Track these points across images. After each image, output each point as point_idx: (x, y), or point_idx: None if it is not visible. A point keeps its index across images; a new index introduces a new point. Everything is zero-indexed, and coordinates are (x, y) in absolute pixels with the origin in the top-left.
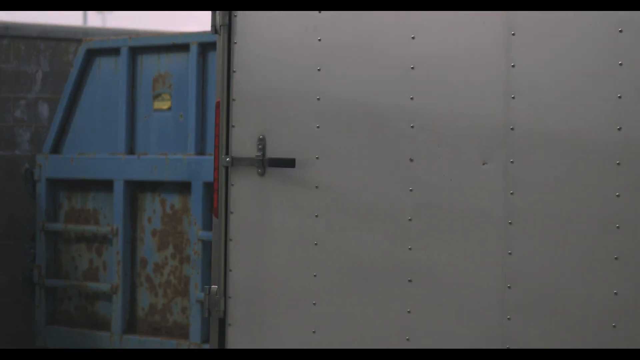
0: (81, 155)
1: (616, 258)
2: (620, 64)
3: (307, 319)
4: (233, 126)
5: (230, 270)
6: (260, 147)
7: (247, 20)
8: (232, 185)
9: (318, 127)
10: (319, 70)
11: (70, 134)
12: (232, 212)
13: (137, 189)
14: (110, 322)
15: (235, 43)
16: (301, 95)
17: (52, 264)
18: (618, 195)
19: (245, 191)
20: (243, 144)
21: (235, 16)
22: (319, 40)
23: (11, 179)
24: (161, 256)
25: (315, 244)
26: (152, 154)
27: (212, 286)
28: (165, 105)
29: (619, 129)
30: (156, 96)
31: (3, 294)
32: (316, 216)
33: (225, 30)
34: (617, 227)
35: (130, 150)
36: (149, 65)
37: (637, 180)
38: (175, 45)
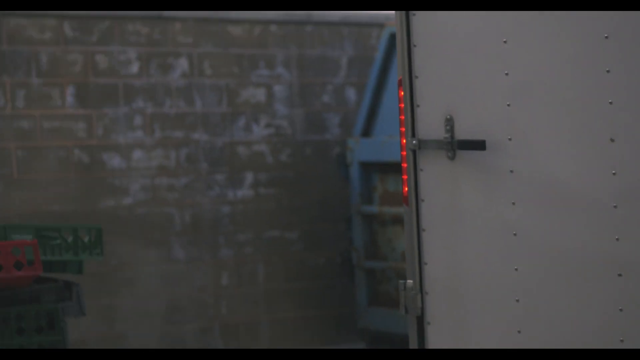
0: (391, 139)
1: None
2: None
3: (510, 317)
4: (418, 106)
5: (426, 264)
6: (448, 128)
7: None
8: (421, 170)
9: (508, 104)
10: (504, 42)
11: (378, 117)
12: (422, 200)
13: None
14: None
15: (414, 15)
16: (488, 70)
17: (369, 246)
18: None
19: (435, 177)
20: (429, 125)
21: None
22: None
23: (323, 162)
24: None
25: (514, 234)
26: None
27: (408, 281)
28: None
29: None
30: None
31: (322, 275)
32: (513, 203)
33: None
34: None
35: None
36: None
37: None
38: None
